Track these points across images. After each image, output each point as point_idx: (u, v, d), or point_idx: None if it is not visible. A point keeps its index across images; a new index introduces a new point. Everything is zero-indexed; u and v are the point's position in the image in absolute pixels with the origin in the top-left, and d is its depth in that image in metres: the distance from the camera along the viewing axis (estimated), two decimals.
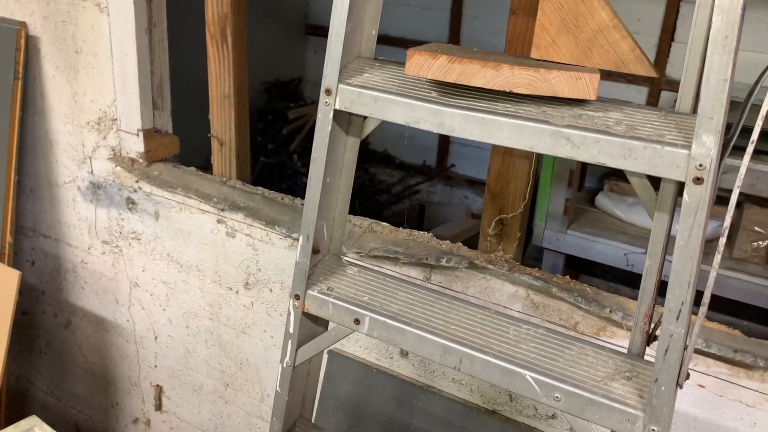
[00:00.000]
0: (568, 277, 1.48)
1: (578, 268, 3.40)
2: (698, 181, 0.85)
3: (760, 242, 2.83)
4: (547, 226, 3.08)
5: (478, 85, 0.98)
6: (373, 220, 1.74)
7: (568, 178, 3.00)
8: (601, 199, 3.26)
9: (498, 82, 0.97)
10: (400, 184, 4.66)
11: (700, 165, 0.84)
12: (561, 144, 0.91)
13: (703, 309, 0.93)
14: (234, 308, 1.97)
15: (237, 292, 1.94)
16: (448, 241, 1.65)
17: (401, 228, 1.72)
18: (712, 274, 0.91)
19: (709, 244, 0.95)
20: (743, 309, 2.93)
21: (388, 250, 1.63)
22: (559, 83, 0.94)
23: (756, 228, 2.84)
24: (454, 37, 4.45)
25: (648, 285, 1.05)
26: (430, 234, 1.68)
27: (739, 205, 2.89)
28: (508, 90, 0.96)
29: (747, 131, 0.87)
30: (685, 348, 0.92)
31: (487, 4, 4.27)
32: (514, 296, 1.51)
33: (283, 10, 4.84)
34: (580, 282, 1.47)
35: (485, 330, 1.09)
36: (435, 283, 1.60)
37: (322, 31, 5.04)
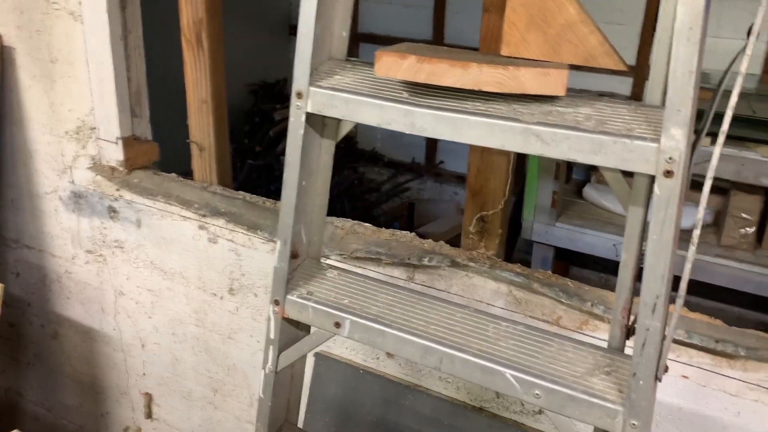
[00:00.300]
0: (549, 272, 1.48)
1: (568, 260, 3.41)
2: (669, 174, 0.84)
3: (748, 229, 2.83)
4: (536, 219, 3.08)
5: (447, 85, 0.97)
6: (355, 222, 1.74)
7: (555, 171, 3.00)
8: (589, 191, 3.26)
9: (467, 81, 0.96)
10: (390, 183, 4.65)
11: (670, 158, 0.84)
12: (531, 141, 0.91)
13: (680, 301, 0.93)
14: (219, 314, 1.96)
15: (222, 298, 1.93)
16: (430, 240, 1.64)
17: (384, 228, 1.71)
18: (687, 266, 0.91)
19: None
20: (733, 296, 2.93)
21: (370, 251, 1.63)
22: (528, 80, 0.94)
23: (743, 215, 2.84)
24: (438, 33, 4.45)
25: (625, 278, 1.05)
26: (413, 234, 1.67)
27: (725, 192, 2.90)
28: (477, 89, 0.96)
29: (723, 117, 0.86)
30: (663, 339, 0.91)
31: (469, 0, 4.26)
32: (496, 293, 1.50)
33: (267, 11, 4.82)
34: (570, 274, 1.47)
35: (465, 329, 1.09)
36: (419, 283, 1.60)
37: None
